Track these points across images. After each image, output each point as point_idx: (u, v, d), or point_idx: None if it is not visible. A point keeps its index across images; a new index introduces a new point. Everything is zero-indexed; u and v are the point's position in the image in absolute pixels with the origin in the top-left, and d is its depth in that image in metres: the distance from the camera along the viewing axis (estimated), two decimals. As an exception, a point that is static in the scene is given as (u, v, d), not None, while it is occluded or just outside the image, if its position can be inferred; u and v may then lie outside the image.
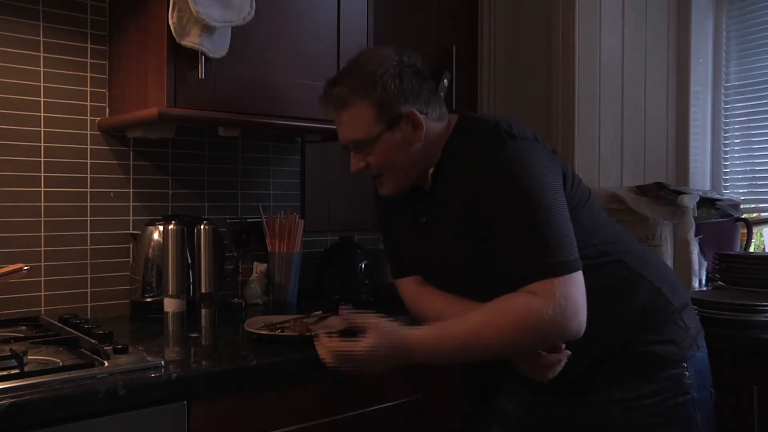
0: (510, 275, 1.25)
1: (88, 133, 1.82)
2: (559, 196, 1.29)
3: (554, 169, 1.32)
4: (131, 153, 1.90)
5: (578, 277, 1.22)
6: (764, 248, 2.61)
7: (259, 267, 2.08)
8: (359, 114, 1.34)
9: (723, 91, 2.70)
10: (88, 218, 1.83)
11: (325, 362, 1.27)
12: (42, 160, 1.76)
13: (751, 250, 2.42)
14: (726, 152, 2.71)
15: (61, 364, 1.28)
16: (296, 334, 1.52)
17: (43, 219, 1.76)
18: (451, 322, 1.27)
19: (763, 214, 2.56)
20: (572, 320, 1.20)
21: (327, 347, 1.27)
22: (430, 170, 1.40)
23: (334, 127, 1.44)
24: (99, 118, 1.83)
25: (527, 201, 1.24)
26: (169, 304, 1.69)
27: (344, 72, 1.40)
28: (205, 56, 1.59)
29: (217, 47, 1.61)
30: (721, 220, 2.32)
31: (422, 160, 1.39)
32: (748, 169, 2.66)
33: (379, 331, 1.24)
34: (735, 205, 2.37)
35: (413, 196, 1.46)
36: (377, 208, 1.61)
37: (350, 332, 1.30)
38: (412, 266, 1.53)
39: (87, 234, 1.83)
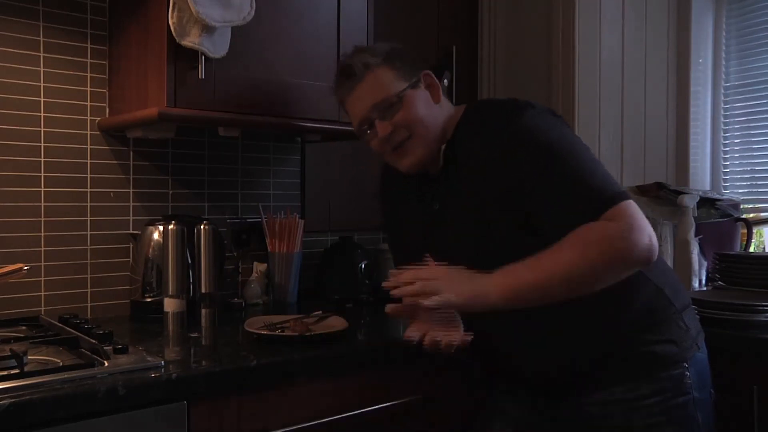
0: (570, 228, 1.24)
1: (88, 133, 1.82)
2: (586, 148, 1.33)
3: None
4: (131, 153, 1.90)
5: (633, 203, 1.24)
6: (764, 248, 2.61)
7: (259, 267, 2.08)
8: (381, 76, 1.40)
9: (723, 91, 2.71)
10: (88, 218, 1.83)
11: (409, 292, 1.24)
12: (42, 160, 1.76)
13: (751, 250, 2.42)
14: (726, 152, 2.72)
15: (61, 364, 1.28)
16: (296, 334, 1.52)
17: (43, 219, 1.76)
18: (532, 258, 1.22)
19: (763, 214, 2.56)
20: (643, 235, 1.21)
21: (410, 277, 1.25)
22: (442, 148, 1.41)
23: (334, 127, 1.45)
24: (99, 118, 1.83)
25: (559, 154, 1.27)
26: (169, 304, 1.69)
27: (357, 49, 1.47)
28: (205, 56, 1.59)
29: (217, 47, 1.61)
30: (721, 220, 2.32)
31: (440, 135, 1.41)
32: (748, 169, 2.66)
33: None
34: (735, 205, 2.38)
35: (421, 186, 1.46)
36: (382, 204, 1.61)
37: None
38: (416, 262, 1.53)
39: (87, 234, 1.82)
